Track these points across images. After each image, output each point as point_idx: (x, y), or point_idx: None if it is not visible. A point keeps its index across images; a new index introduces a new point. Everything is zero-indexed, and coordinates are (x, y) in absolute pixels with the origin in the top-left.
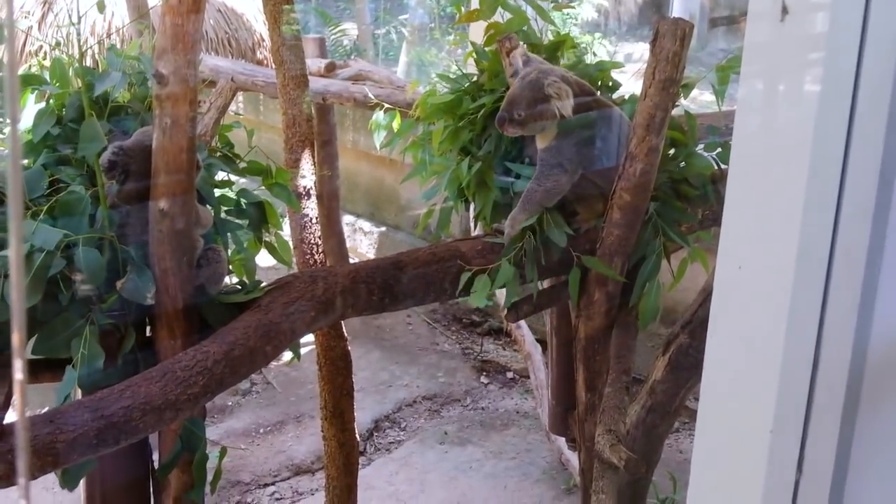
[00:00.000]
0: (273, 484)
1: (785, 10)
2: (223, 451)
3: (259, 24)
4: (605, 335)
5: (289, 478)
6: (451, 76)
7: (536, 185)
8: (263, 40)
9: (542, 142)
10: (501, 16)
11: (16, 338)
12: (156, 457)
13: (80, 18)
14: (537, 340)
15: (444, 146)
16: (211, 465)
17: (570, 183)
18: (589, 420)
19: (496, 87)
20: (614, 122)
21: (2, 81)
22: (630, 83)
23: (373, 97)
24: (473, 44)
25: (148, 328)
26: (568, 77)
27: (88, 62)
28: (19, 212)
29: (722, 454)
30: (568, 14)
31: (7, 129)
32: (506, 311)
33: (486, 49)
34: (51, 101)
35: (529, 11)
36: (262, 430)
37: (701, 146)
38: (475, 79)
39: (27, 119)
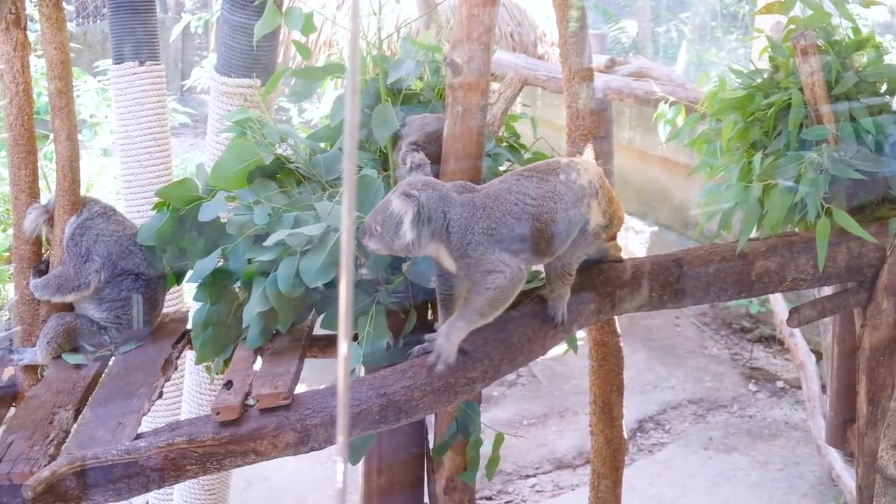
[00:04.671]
0: (534, 476)
1: None
2: (500, 438)
3: (541, 20)
4: (892, 347)
5: (550, 471)
6: (744, 71)
7: (476, 296)
8: (545, 35)
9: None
10: (802, 11)
11: (343, 314)
12: (431, 438)
13: (380, 7)
14: (811, 351)
15: (734, 142)
16: (482, 451)
17: (522, 272)
18: (870, 434)
19: (790, 86)
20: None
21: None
22: None
23: (658, 91)
24: (770, 38)
25: (430, 311)
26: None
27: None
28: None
29: None
30: (858, 15)
31: (305, 115)
32: (787, 316)
33: (783, 45)
34: None
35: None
36: (525, 422)
37: None
38: (767, 75)
39: (325, 106)
